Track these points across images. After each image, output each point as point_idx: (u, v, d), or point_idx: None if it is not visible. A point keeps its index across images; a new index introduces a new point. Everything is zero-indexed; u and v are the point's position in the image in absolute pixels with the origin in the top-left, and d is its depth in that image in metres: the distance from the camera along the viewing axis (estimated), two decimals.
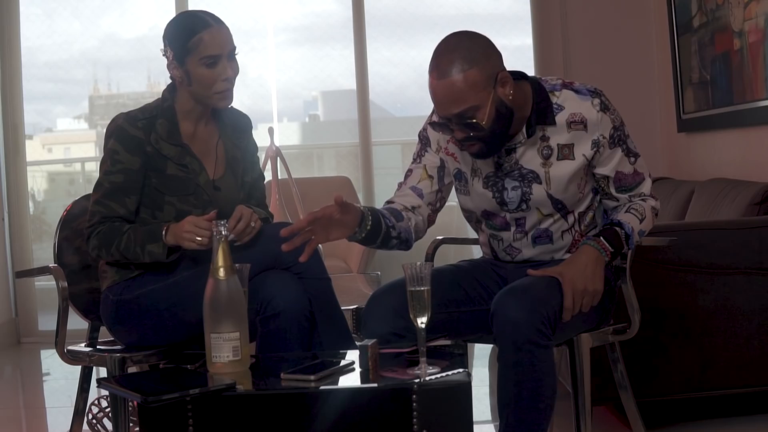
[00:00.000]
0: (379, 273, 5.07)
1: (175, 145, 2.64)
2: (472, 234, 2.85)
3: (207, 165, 2.68)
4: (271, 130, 5.45)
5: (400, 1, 6.18)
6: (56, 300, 2.74)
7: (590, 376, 2.55)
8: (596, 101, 2.47)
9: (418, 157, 2.62)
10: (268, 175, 5.29)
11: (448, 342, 2.35)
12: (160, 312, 2.58)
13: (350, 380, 2.11)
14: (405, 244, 2.53)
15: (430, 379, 2.03)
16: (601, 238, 2.47)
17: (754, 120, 4.01)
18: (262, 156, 5.27)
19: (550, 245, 2.57)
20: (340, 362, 2.18)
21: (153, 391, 2.02)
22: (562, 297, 2.38)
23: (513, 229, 2.57)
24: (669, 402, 3.34)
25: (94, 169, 6.60)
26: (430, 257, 2.99)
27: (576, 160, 2.48)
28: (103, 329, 2.80)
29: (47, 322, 5.74)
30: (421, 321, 2.11)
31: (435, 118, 2.47)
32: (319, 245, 2.40)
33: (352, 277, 5.04)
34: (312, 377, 2.06)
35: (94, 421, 3.33)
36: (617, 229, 2.49)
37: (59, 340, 2.71)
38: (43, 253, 6.09)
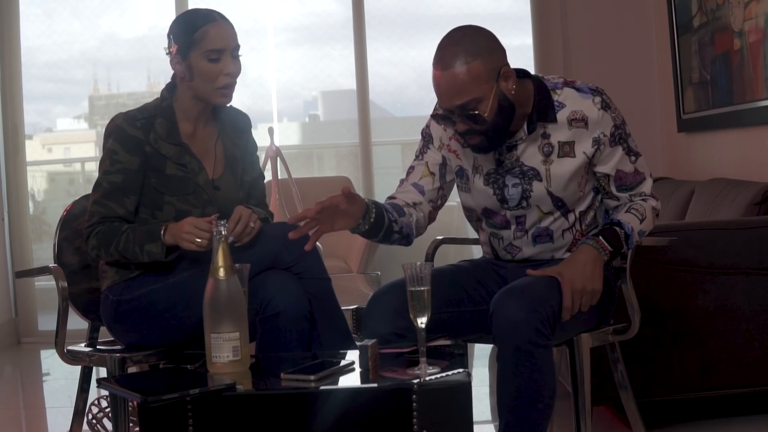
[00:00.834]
0: (379, 273, 5.07)
1: (174, 144, 2.64)
2: (472, 234, 2.85)
3: (206, 164, 2.68)
4: (271, 130, 5.45)
5: (400, 1, 6.18)
6: (56, 300, 2.74)
7: (590, 376, 2.55)
8: (597, 99, 2.48)
9: (421, 154, 2.63)
10: (268, 175, 5.29)
11: (448, 342, 2.35)
12: (160, 312, 2.58)
13: (350, 380, 2.11)
14: (406, 239, 2.54)
15: (430, 379, 2.03)
16: (600, 237, 2.47)
17: (754, 120, 4.01)
18: (262, 156, 5.27)
19: (550, 244, 2.57)
20: (340, 362, 2.18)
21: (153, 391, 2.02)
22: (561, 297, 2.38)
23: (513, 227, 2.57)
24: (669, 402, 3.34)
25: (94, 169, 6.60)
26: (430, 257, 2.99)
27: (577, 158, 2.49)
28: (103, 329, 2.80)
29: (47, 322, 5.74)
30: (421, 321, 2.11)
31: (438, 111, 2.47)
32: (319, 246, 2.40)
33: (352, 277, 5.04)
34: (312, 377, 2.05)
35: (94, 421, 3.33)
36: (617, 228, 2.49)
37: (59, 340, 2.71)
38: (43, 253, 6.09)
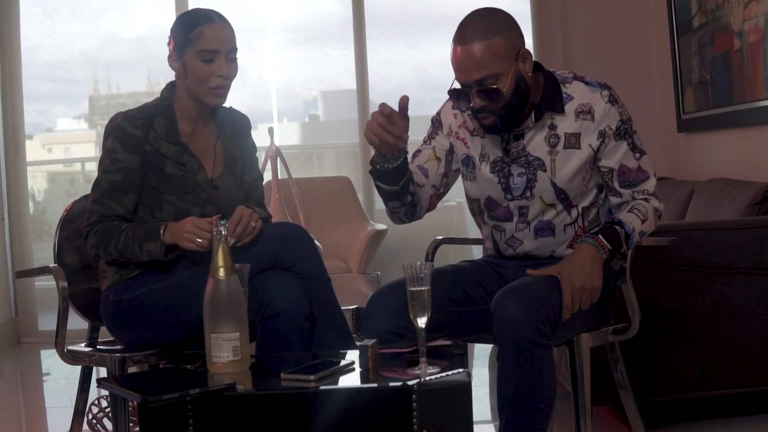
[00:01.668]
0: (379, 273, 5.06)
1: (174, 143, 2.64)
2: (472, 234, 2.85)
3: (205, 164, 2.68)
4: (271, 130, 5.45)
5: (400, 1, 6.18)
6: (56, 300, 2.74)
7: (590, 376, 2.55)
8: (605, 93, 2.52)
9: (429, 139, 2.66)
10: (267, 175, 5.30)
11: (448, 342, 2.35)
12: (160, 312, 2.58)
13: (350, 380, 2.11)
14: (413, 209, 2.57)
15: (430, 379, 2.03)
16: (600, 235, 2.48)
17: (754, 120, 4.01)
18: (262, 156, 5.28)
19: (552, 238, 2.58)
20: (340, 362, 2.18)
21: (153, 391, 2.02)
22: (561, 296, 2.38)
23: (516, 218, 2.58)
24: (669, 402, 3.34)
25: (94, 169, 6.59)
26: (430, 257, 2.99)
27: (582, 150, 2.51)
28: (103, 329, 2.80)
29: (47, 322, 5.74)
30: (421, 321, 2.11)
31: (455, 86, 2.49)
32: (319, 246, 2.40)
33: (352, 277, 5.03)
34: (312, 377, 2.06)
35: (94, 421, 3.33)
36: (617, 227, 2.50)
37: (59, 340, 2.71)
38: (43, 253, 6.09)
